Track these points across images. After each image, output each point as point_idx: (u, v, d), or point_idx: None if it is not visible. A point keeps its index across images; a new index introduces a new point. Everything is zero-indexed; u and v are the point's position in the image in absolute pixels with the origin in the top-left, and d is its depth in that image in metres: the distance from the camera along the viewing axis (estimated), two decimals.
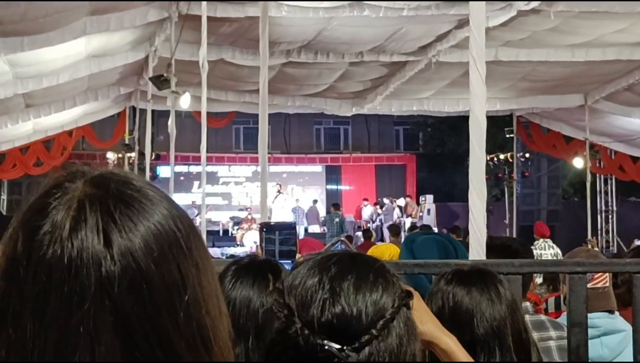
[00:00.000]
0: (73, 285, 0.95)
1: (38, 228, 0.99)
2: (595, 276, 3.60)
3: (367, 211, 27.89)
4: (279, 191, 26.50)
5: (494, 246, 4.07)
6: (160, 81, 13.00)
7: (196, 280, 1.03)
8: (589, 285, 3.41)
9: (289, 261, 2.71)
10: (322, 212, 28.57)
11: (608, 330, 3.36)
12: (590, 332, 3.21)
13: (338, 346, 1.39)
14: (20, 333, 0.96)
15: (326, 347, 1.39)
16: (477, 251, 4.05)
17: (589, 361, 3.14)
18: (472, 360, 1.93)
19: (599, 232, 22.68)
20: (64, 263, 0.96)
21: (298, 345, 1.41)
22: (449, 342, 1.89)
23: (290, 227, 3.17)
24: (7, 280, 0.99)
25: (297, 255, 4.08)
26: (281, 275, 2.30)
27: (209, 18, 9.64)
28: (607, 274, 3.67)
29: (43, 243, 0.98)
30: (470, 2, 4.98)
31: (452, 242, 3.41)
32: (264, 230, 3.18)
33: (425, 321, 1.86)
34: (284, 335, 1.44)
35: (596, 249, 16.24)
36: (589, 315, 3.26)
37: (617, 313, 3.66)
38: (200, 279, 1.04)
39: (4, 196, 23.60)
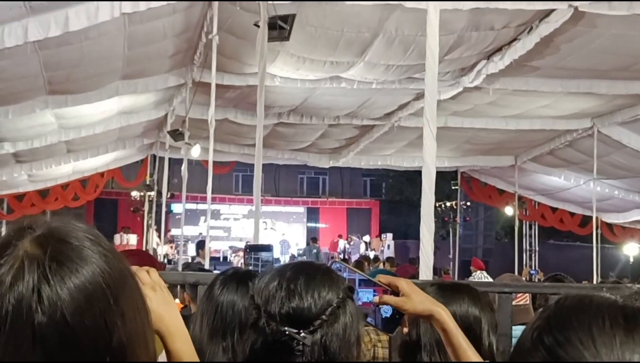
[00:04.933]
0: (10, 333, 0.92)
1: None
2: (518, 295, 3.61)
3: (340, 244, 27.83)
4: (266, 227, 26.45)
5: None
6: (176, 135, 13.02)
7: (122, 328, 0.99)
8: (513, 302, 3.41)
9: None
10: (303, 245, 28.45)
11: None
12: (514, 341, 3.19)
13: (296, 330, 1.48)
14: None
15: (287, 332, 1.48)
16: (425, 273, 4.03)
17: None
18: (457, 327, 1.91)
19: (524, 267, 22.63)
20: (1, 313, 0.93)
21: (266, 333, 1.50)
22: (441, 313, 1.87)
23: (269, 249, 3.11)
24: None
25: None
26: None
27: (217, 85, 9.63)
28: (527, 294, 3.67)
29: None
30: (426, 79, 5.02)
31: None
32: (247, 250, 3.13)
33: (422, 301, 1.87)
34: (256, 326, 1.53)
35: (523, 278, 16.20)
36: (513, 327, 3.26)
37: None
38: (126, 326, 1.00)
39: None
